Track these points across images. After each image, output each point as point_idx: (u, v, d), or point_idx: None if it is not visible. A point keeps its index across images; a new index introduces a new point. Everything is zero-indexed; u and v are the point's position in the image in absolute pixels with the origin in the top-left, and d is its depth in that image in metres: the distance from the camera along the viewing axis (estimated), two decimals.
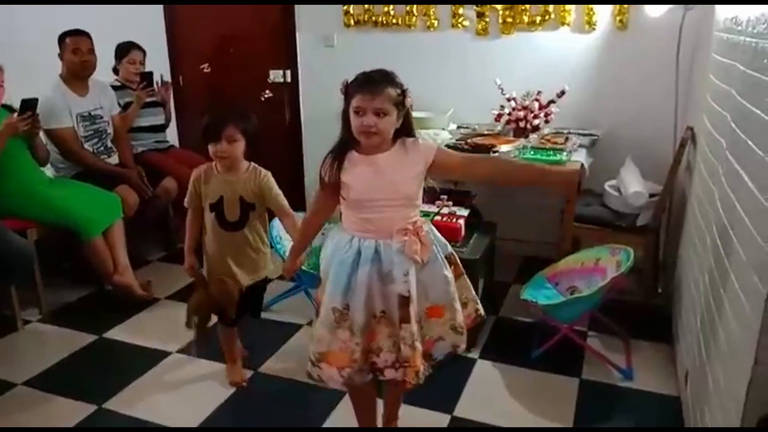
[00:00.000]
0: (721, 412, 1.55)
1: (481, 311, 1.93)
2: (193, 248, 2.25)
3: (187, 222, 2.26)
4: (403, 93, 1.66)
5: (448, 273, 1.78)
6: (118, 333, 2.80)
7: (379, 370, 1.75)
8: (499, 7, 3.43)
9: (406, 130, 1.71)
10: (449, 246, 1.86)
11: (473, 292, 1.92)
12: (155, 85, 3.62)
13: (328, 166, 1.71)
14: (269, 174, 2.23)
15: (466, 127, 3.44)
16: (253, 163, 2.22)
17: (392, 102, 1.62)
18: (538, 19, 3.38)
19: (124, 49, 3.55)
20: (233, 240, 2.20)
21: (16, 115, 2.71)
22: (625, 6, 3.19)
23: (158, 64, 3.96)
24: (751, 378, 1.32)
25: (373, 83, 1.62)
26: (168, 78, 4.02)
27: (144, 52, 3.60)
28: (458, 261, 1.88)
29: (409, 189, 1.70)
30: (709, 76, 2.39)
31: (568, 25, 3.34)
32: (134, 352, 2.65)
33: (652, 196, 2.87)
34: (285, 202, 2.24)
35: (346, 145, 1.71)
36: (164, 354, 2.62)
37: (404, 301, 1.67)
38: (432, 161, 1.70)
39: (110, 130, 3.36)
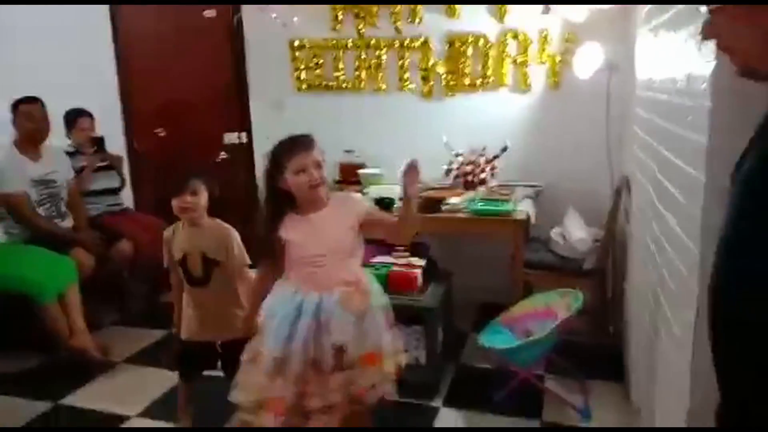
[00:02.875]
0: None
1: (403, 363, 1.99)
2: (180, 307, 2.25)
3: (172, 282, 2.27)
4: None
5: (387, 326, 1.89)
6: (75, 399, 2.73)
7: (309, 414, 1.83)
8: (441, 70, 3.66)
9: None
10: (385, 297, 1.97)
11: (400, 343, 2.01)
12: (105, 149, 3.64)
13: (268, 232, 1.86)
14: (232, 230, 2.23)
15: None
16: (217, 220, 2.25)
17: (322, 155, 1.83)
18: (479, 81, 3.62)
19: (72, 118, 3.59)
20: (201, 296, 2.20)
21: None
22: (557, 68, 3.47)
23: (112, 127, 4.01)
24: (690, 407, 1.42)
25: (307, 142, 1.83)
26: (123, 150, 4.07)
27: (92, 118, 3.64)
28: (391, 313, 1.97)
29: (346, 242, 1.84)
30: (635, 129, 2.63)
31: (506, 85, 3.59)
32: (93, 418, 2.58)
33: (595, 241, 3.05)
34: (244, 263, 2.21)
35: (281, 209, 1.86)
36: (124, 418, 2.56)
37: (339, 350, 1.78)
38: (363, 216, 1.85)
39: (64, 194, 3.35)
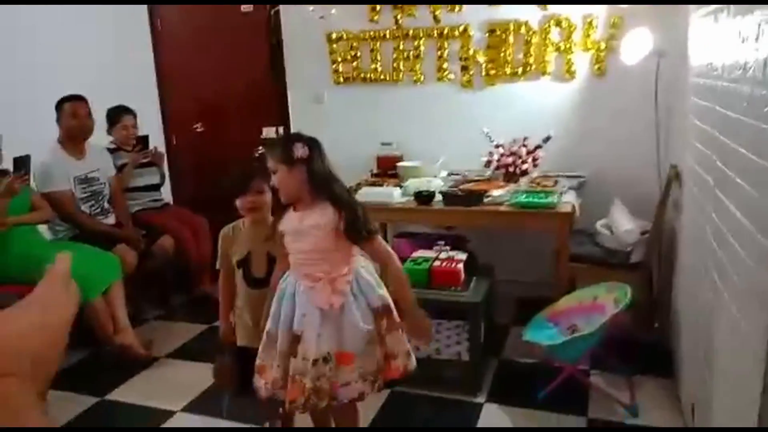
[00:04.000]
0: None
1: (410, 366, 1.99)
2: (227, 313, 2.17)
3: (220, 285, 2.18)
4: (287, 147, 1.82)
5: (365, 326, 1.88)
6: (120, 394, 2.77)
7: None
8: (481, 59, 3.59)
9: (318, 183, 1.84)
10: (384, 298, 1.94)
11: (406, 346, 1.99)
12: (150, 148, 3.68)
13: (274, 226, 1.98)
14: None
15: (457, 174, 3.53)
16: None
17: (277, 159, 1.83)
18: (520, 70, 3.54)
19: (115, 115, 3.62)
20: (261, 298, 2.08)
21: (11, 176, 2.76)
22: (602, 54, 3.37)
23: (151, 124, 4.05)
24: (761, 404, 1.36)
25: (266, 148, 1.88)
26: (162, 146, 4.11)
27: (135, 115, 3.67)
28: (395, 317, 1.95)
29: (320, 243, 1.85)
30: (690, 118, 2.52)
31: (549, 74, 3.50)
32: (138, 413, 2.61)
33: (642, 233, 2.95)
34: None
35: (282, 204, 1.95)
36: (169, 413, 2.59)
37: (295, 338, 1.85)
38: (336, 224, 1.83)
39: (107, 191, 3.40)
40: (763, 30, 1.43)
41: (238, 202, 2.08)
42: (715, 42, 2.07)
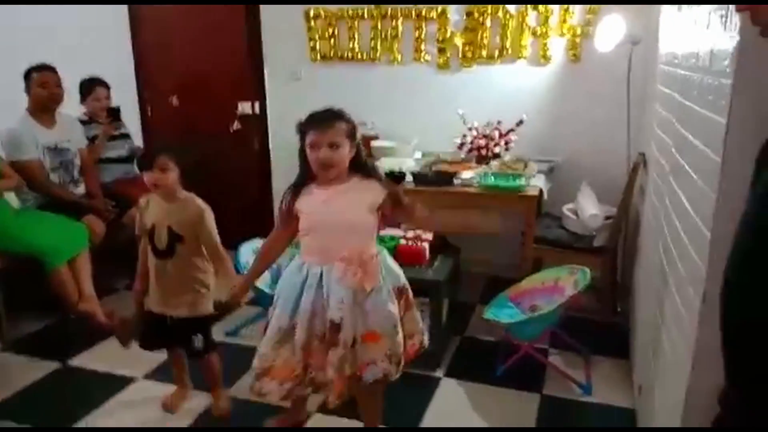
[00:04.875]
0: (667, 419, 1.64)
1: (425, 342, 2.05)
2: (142, 277, 2.30)
3: (140, 250, 2.31)
4: (353, 126, 1.84)
5: (393, 308, 1.88)
6: (82, 360, 2.79)
7: (317, 385, 1.90)
8: (458, 42, 3.59)
9: (358, 161, 1.87)
10: (402, 278, 1.98)
11: (421, 325, 2.05)
12: (122, 120, 3.65)
13: (288, 197, 1.89)
14: (207, 209, 2.21)
15: (430, 156, 3.55)
16: (192, 195, 2.23)
17: (344, 135, 1.79)
18: (496, 53, 3.55)
19: (88, 87, 3.59)
20: (164, 268, 2.22)
21: None
22: (578, 40, 3.39)
23: (126, 96, 4.01)
24: (688, 384, 1.41)
25: (325, 120, 1.80)
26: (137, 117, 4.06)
27: (108, 87, 3.63)
28: (410, 294, 1.99)
29: (354, 217, 1.84)
30: (655, 106, 2.56)
31: (525, 58, 3.51)
32: (99, 379, 2.64)
33: (607, 218, 3.01)
34: (216, 242, 2.20)
35: (304, 179, 1.88)
36: (129, 380, 2.62)
37: (335, 327, 1.81)
38: (381, 201, 1.85)
39: (77, 161, 3.37)
40: (713, 19, 1.46)
41: (144, 177, 2.16)
42: (678, 31, 2.10)
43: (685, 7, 1.98)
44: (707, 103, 1.47)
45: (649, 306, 2.21)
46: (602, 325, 3.01)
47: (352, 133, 1.82)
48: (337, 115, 1.83)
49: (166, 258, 2.20)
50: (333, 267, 1.82)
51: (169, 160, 2.14)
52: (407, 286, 1.99)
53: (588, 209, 3.00)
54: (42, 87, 3.16)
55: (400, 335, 1.90)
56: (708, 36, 1.52)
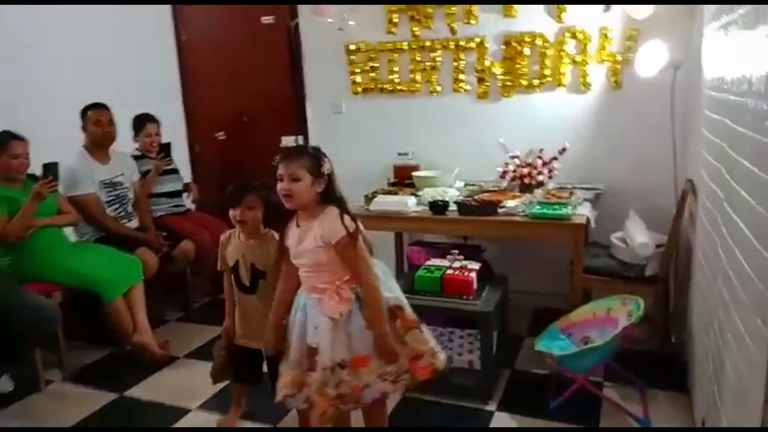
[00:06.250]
0: None
1: (438, 364, 2.03)
2: (231, 311, 2.35)
3: (224, 285, 2.37)
4: (319, 161, 1.89)
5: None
6: (138, 392, 2.84)
7: (310, 402, 1.96)
8: (497, 71, 3.62)
9: (328, 195, 1.92)
10: (393, 299, 1.99)
11: (430, 344, 2.04)
12: (172, 155, 3.79)
13: (280, 234, 2.03)
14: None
15: (473, 184, 3.56)
16: (271, 231, 2.28)
17: (305, 168, 1.86)
18: (536, 81, 3.56)
19: (140, 123, 3.75)
20: (249, 303, 2.28)
21: (40, 181, 2.87)
22: (619, 67, 3.37)
23: (175, 132, 4.17)
24: (762, 416, 1.36)
25: (288, 154, 1.90)
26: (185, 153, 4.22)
27: (158, 123, 3.79)
28: (408, 315, 2.01)
29: (315, 257, 1.91)
30: (703, 131, 2.52)
31: (565, 86, 3.51)
32: (155, 410, 2.69)
33: (658, 246, 2.94)
34: None
35: (284, 216, 1.99)
36: (184, 411, 2.65)
37: (312, 351, 1.91)
38: (335, 243, 1.87)
39: (131, 195, 3.51)
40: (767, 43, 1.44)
41: (230, 214, 2.23)
42: (725, 55, 2.08)
43: (732, 30, 1.97)
44: (764, 129, 1.44)
45: (709, 337, 2.14)
46: (657, 357, 2.92)
47: (315, 167, 1.88)
48: (301, 150, 1.97)
49: (251, 293, 2.27)
50: (311, 296, 1.95)
51: (256, 198, 2.22)
52: (401, 304, 2.01)
53: (638, 237, 2.95)
54: (95, 125, 3.32)
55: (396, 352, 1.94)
56: (761, 60, 1.51)
